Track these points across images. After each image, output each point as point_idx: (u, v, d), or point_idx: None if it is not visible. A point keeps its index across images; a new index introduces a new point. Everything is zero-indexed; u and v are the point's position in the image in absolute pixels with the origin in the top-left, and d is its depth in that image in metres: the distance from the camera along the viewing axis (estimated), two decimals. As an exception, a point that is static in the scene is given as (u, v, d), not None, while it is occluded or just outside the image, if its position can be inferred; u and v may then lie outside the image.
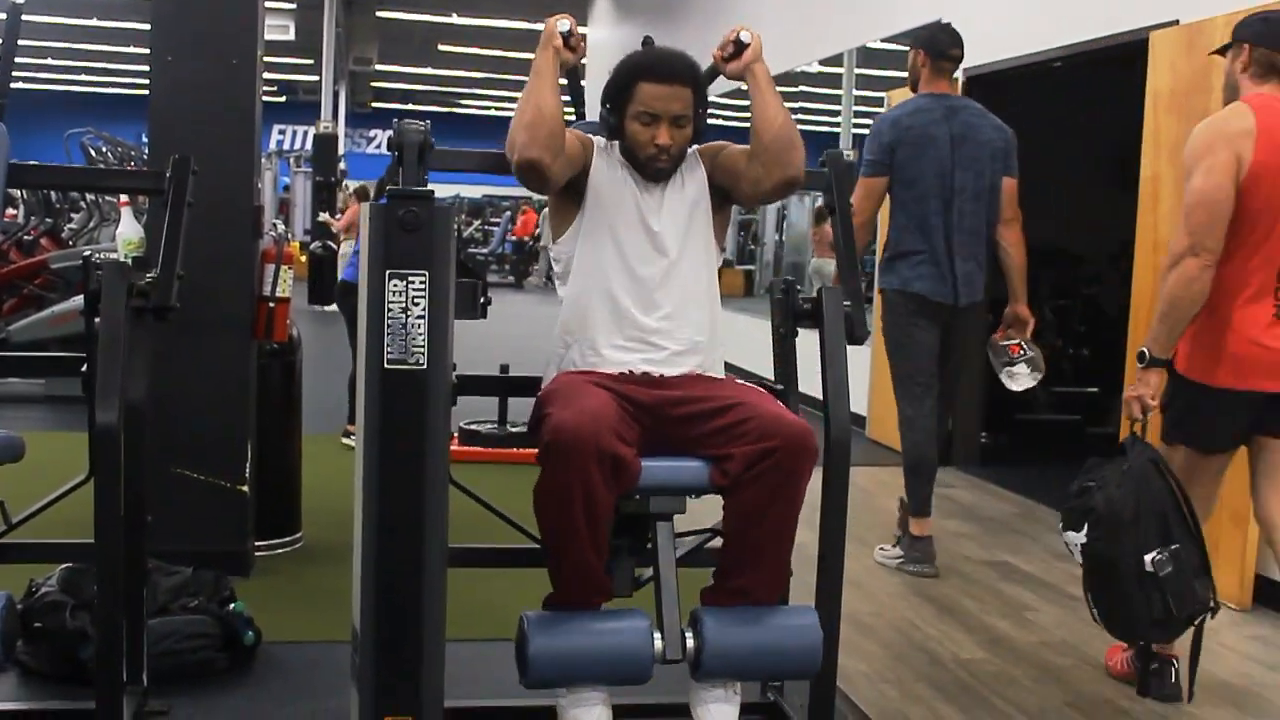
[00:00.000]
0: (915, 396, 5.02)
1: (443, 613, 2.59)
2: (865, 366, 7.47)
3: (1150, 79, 5.37)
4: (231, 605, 3.68)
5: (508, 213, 27.30)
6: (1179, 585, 3.34)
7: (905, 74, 5.34)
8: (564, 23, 3.00)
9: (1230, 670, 4.03)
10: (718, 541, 3.02)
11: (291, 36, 19.44)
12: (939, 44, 5.16)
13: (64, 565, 3.58)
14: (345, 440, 6.70)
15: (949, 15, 7.45)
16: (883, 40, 9.01)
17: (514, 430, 6.80)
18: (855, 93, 9.81)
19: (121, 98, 30.46)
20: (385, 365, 2.51)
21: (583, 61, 3.18)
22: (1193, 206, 3.41)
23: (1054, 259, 8.54)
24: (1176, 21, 5.35)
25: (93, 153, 11.87)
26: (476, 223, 28.09)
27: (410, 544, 2.53)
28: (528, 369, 3.53)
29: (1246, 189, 3.38)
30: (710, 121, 3.18)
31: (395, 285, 2.50)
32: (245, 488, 4.43)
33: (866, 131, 5.44)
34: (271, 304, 4.42)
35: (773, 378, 3.32)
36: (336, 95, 23.96)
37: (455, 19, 23.71)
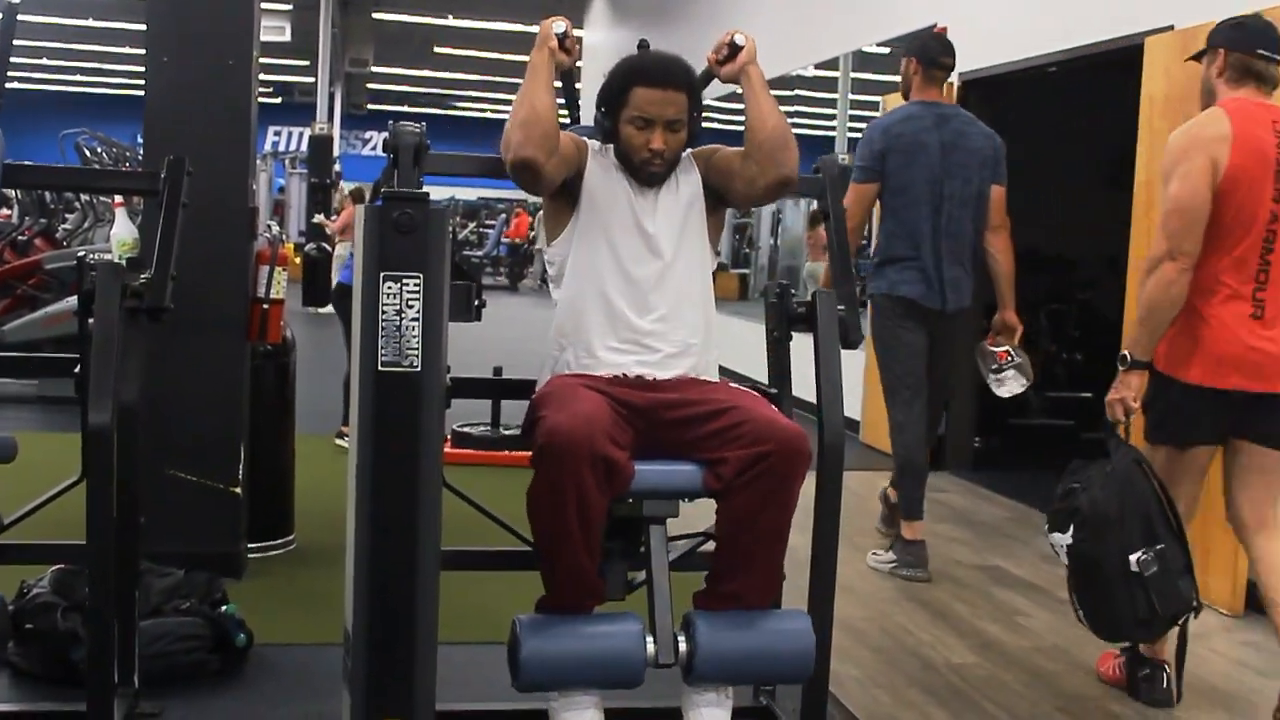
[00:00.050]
0: (904, 400, 5.05)
1: (435, 615, 2.59)
2: (859, 371, 7.47)
3: (1145, 84, 5.38)
4: (224, 607, 3.68)
5: (503, 215, 27.30)
6: (1164, 585, 3.38)
7: (901, 78, 5.36)
8: (559, 25, 3.00)
9: (1222, 675, 4.04)
10: (710, 545, 3.02)
11: (287, 37, 19.42)
12: (931, 52, 5.20)
13: (56, 566, 3.58)
14: (339, 441, 6.69)
15: (945, 19, 7.48)
16: (878, 44, 9.02)
17: (507, 433, 6.80)
18: (851, 96, 9.82)
19: (117, 98, 30.45)
20: (379, 367, 2.51)
21: (578, 64, 3.18)
22: (1170, 212, 3.46)
23: (1048, 264, 8.56)
24: (1172, 27, 5.36)
25: (87, 153, 11.85)
26: (472, 225, 28.08)
27: (403, 546, 2.53)
28: (522, 372, 3.52)
29: (1222, 193, 3.42)
30: (705, 125, 3.18)
31: (389, 287, 2.50)
32: (238, 489, 4.42)
33: (861, 136, 5.47)
34: (265, 305, 4.42)
35: (767, 381, 3.33)
36: (332, 97, 23.92)
37: (451, 21, 23.73)
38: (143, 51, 4.44)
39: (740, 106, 3.06)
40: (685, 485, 2.87)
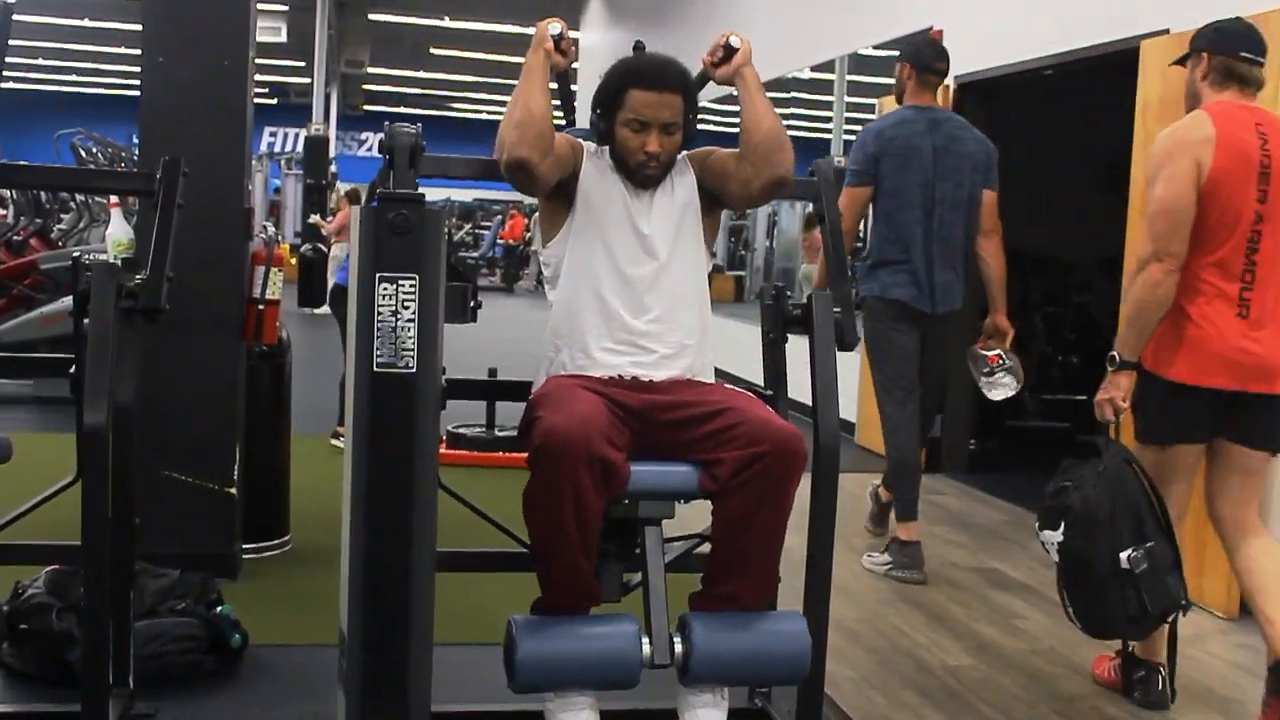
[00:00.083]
0: (897, 401, 5.09)
1: (430, 617, 2.59)
2: (854, 373, 7.47)
3: (1141, 87, 5.39)
4: (219, 608, 3.67)
5: (499, 217, 27.30)
6: (1154, 582, 3.41)
7: (895, 82, 5.40)
8: (555, 26, 3.00)
9: (1217, 678, 4.04)
10: (706, 547, 3.02)
11: (283, 38, 19.42)
12: (925, 58, 5.24)
13: (51, 567, 3.57)
14: (334, 442, 6.70)
15: (941, 22, 7.49)
16: (874, 47, 9.02)
17: (501, 434, 6.80)
18: (846, 99, 9.83)
19: (112, 98, 30.40)
20: (374, 368, 2.51)
21: (574, 66, 3.18)
22: (1156, 214, 3.50)
23: (1044, 266, 8.57)
24: (1167, 31, 5.37)
25: (83, 153, 11.85)
26: (467, 226, 28.08)
27: (398, 548, 2.53)
28: (517, 373, 3.53)
29: (1207, 195, 3.45)
30: (700, 127, 3.18)
31: (385, 288, 2.50)
32: (233, 490, 4.42)
33: (855, 139, 5.49)
34: (261, 306, 4.41)
35: (762, 383, 3.33)
36: (328, 98, 23.87)
37: (447, 22, 23.73)
38: (138, 52, 4.44)
39: (736, 109, 3.06)
40: (681, 486, 2.87)
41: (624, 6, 16.68)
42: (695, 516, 3.07)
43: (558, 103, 3.25)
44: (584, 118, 3.27)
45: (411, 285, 2.51)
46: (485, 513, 3.14)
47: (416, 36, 25.54)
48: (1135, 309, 3.54)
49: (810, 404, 2.96)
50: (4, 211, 13.33)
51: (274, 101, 31.24)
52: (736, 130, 3.04)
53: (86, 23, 24.11)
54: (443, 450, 5.11)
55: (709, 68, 3.09)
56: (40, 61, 28.30)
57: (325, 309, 7.91)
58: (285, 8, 19.36)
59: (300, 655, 3.75)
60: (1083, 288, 8.76)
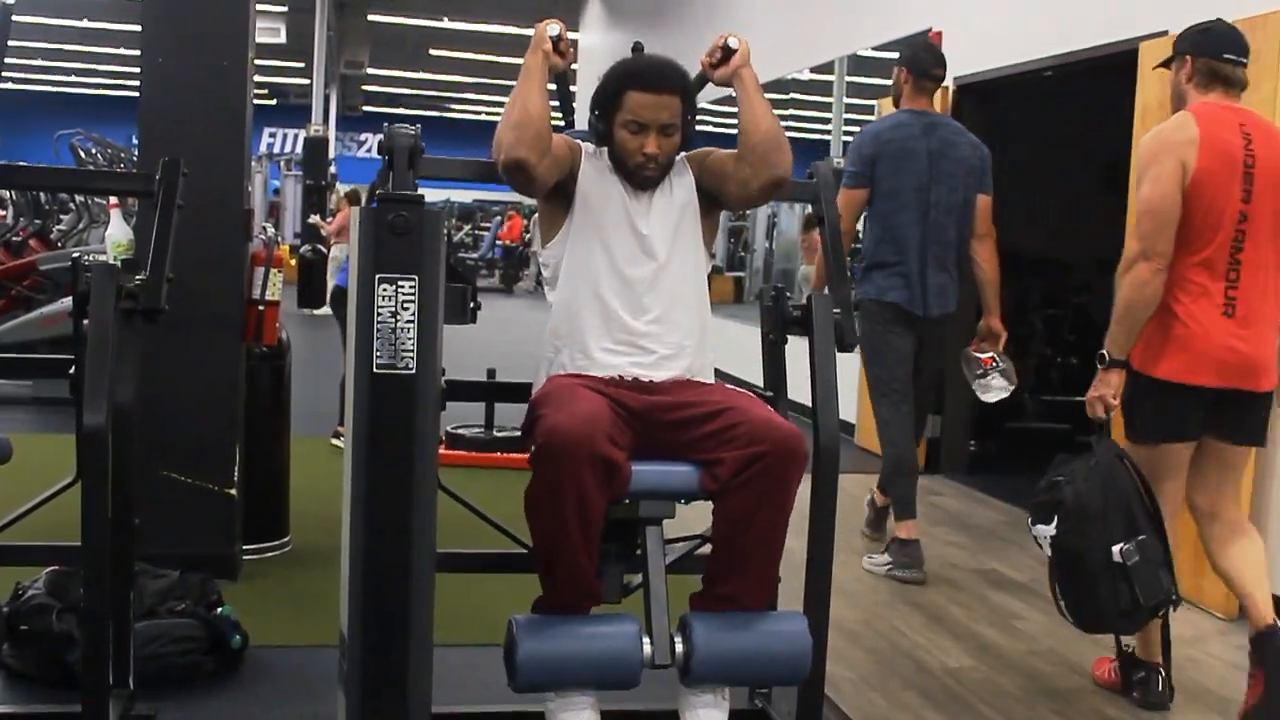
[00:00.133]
0: (892, 403, 5.15)
1: (430, 617, 2.59)
2: (854, 374, 7.47)
3: (1140, 89, 5.39)
4: (219, 609, 3.67)
5: (498, 218, 27.30)
6: (1145, 575, 3.45)
7: (893, 86, 5.44)
8: (554, 27, 3.00)
9: (1217, 680, 4.04)
10: (707, 548, 3.02)
11: (282, 39, 19.40)
12: (922, 63, 5.29)
13: (51, 568, 3.57)
14: (335, 441, 6.71)
15: (941, 24, 7.49)
16: (873, 48, 9.02)
17: (500, 435, 6.81)
18: (846, 100, 9.83)
19: (111, 99, 30.41)
20: (374, 370, 2.50)
21: (573, 67, 3.18)
22: (1142, 214, 3.57)
23: (1044, 268, 8.57)
24: (1166, 32, 5.36)
25: (82, 154, 11.85)
26: (467, 227, 28.07)
27: (398, 548, 2.53)
28: (517, 375, 3.53)
29: (1191, 194, 3.51)
30: (699, 128, 3.18)
31: (385, 289, 2.50)
32: (233, 491, 4.42)
33: (851, 142, 5.53)
34: (261, 307, 4.41)
35: (762, 384, 3.33)
36: (327, 99, 23.87)
37: (446, 23, 23.72)
38: (138, 53, 4.44)
39: (734, 110, 3.06)
40: (682, 486, 2.87)
41: (623, 8, 16.68)
42: (696, 518, 3.06)
43: (556, 104, 3.26)
44: (583, 119, 3.27)
45: (411, 286, 2.51)
46: (485, 514, 3.14)
47: (416, 38, 25.54)
48: (1123, 308, 3.58)
49: (810, 405, 2.96)
50: (3, 212, 13.33)
51: (273, 102, 31.24)
52: (735, 131, 3.05)
53: (86, 23, 24.09)
54: (441, 451, 5.12)
55: (707, 69, 3.10)
56: (39, 62, 28.30)
57: (325, 310, 7.92)
58: (284, 9, 19.35)
59: (300, 656, 3.75)
60: (1082, 289, 8.75)
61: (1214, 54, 3.64)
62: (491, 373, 5.64)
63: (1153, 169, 3.54)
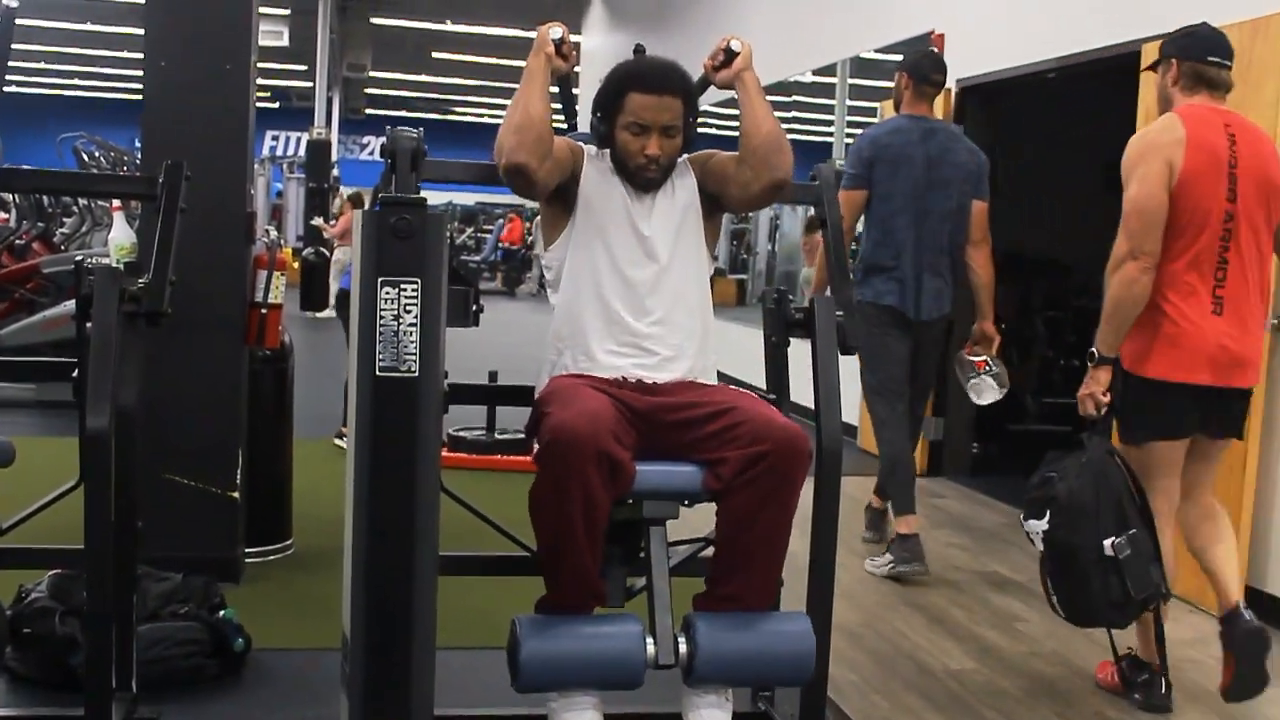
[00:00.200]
0: (887, 402, 5.23)
1: (433, 620, 2.59)
2: (857, 376, 7.46)
3: (1142, 91, 5.38)
4: (221, 612, 3.67)
5: (500, 221, 27.30)
6: (1136, 569, 3.52)
7: (894, 90, 5.49)
8: (556, 30, 3.01)
9: (1218, 681, 4.03)
10: (711, 551, 3.02)
11: (285, 42, 19.41)
12: (922, 69, 5.35)
13: (54, 571, 3.57)
14: (337, 441, 6.72)
15: (943, 26, 7.49)
16: (876, 51, 9.02)
17: (501, 437, 6.81)
18: (848, 103, 9.83)
19: (115, 102, 30.43)
20: (377, 372, 2.50)
21: (575, 69, 3.18)
22: (1130, 213, 3.62)
23: (1045, 270, 8.56)
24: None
25: (85, 157, 11.85)
26: (469, 230, 28.07)
27: (401, 551, 2.53)
28: (518, 378, 3.53)
29: (1178, 194, 3.57)
30: (701, 130, 3.19)
31: (387, 292, 2.50)
32: (236, 494, 4.42)
33: (851, 145, 5.57)
34: (263, 310, 4.41)
35: (765, 387, 3.33)
36: (330, 101, 23.90)
37: (449, 26, 23.72)
38: (141, 56, 4.44)
39: (736, 112, 3.06)
40: (686, 486, 2.87)
41: (625, 10, 16.69)
42: (700, 521, 3.06)
43: (559, 106, 3.26)
44: (585, 121, 3.27)
45: (414, 289, 2.51)
46: (487, 516, 3.14)
47: (418, 40, 25.55)
48: (1112, 306, 3.64)
49: (812, 408, 2.96)
50: (6, 215, 13.32)
51: (276, 105, 31.25)
52: (737, 134, 3.05)
53: (89, 27, 24.13)
54: (443, 454, 5.13)
55: (710, 71, 3.10)
56: (43, 66, 28.30)
57: (327, 313, 7.93)
58: (287, 12, 19.37)
59: (303, 659, 3.75)
60: (1083, 291, 8.74)
61: (1199, 57, 3.70)
62: (493, 375, 5.64)
63: (1140, 169, 3.61)
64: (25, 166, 3.96)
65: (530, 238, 24.11)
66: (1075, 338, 8.69)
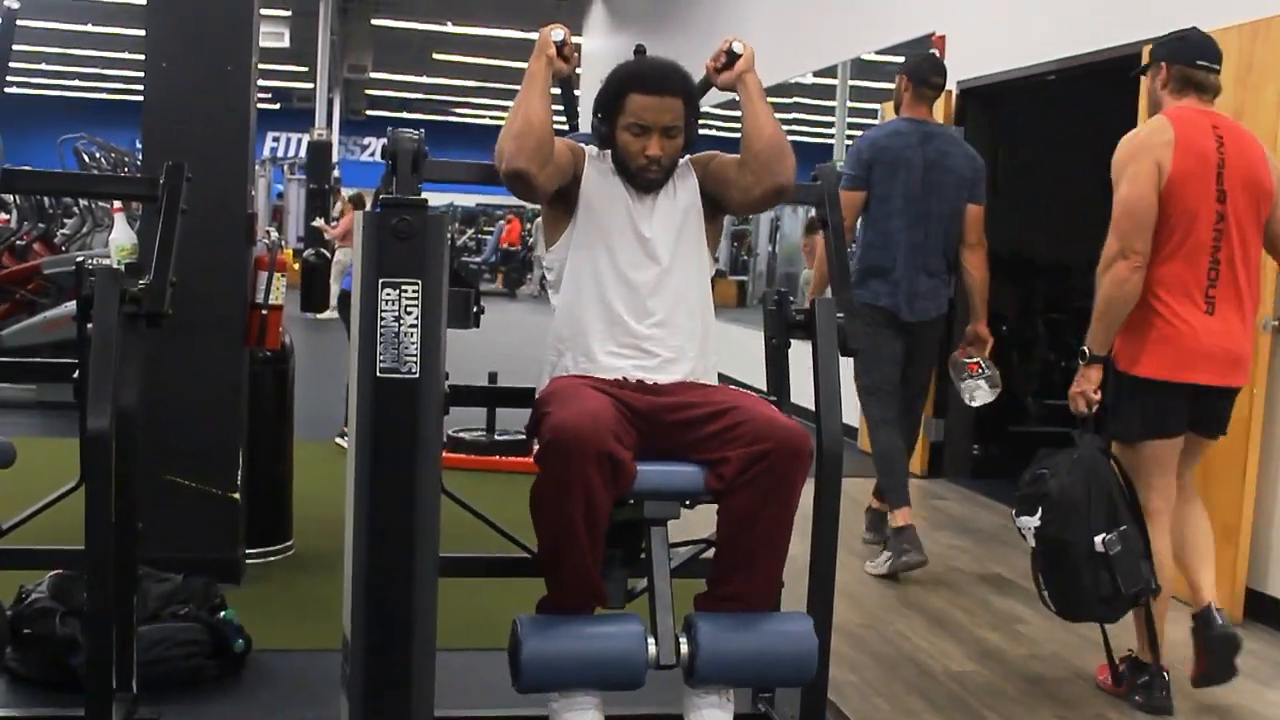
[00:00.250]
0: (880, 401, 5.28)
1: (433, 621, 2.59)
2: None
3: (1142, 93, 5.38)
4: (222, 613, 3.67)
5: (501, 222, 27.31)
6: (1127, 564, 3.58)
7: (894, 92, 5.55)
8: (558, 33, 3.01)
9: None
10: (712, 552, 3.02)
11: (286, 44, 19.42)
12: (922, 72, 5.41)
13: (54, 571, 3.57)
14: (339, 441, 6.73)
15: (943, 28, 7.49)
16: (877, 52, 9.03)
17: (501, 439, 6.81)
18: (849, 104, 9.83)
19: (116, 103, 30.44)
20: (378, 374, 2.50)
21: (577, 71, 3.18)
22: (1120, 213, 3.67)
23: (1046, 271, 8.56)
24: (1169, 36, 5.36)
25: (86, 158, 11.85)
26: (470, 231, 28.07)
27: (401, 552, 2.53)
28: (519, 379, 3.53)
29: (1167, 195, 3.63)
30: (703, 132, 3.18)
31: (388, 294, 2.50)
32: (236, 495, 4.42)
33: (850, 146, 5.60)
34: (264, 311, 4.41)
35: (765, 388, 3.33)
36: (331, 103, 23.92)
37: (450, 28, 23.74)
38: (142, 57, 4.44)
39: (737, 113, 3.06)
40: (687, 486, 2.87)
41: (626, 12, 16.70)
42: (701, 523, 3.06)
43: (560, 108, 3.26)
44: (586, 122, 3.27)
45: (414, 290, 2.51)
46: (488, 518, 3.14)
47: (419, 42, 25.56)
48: (1103, 305, 3.70)
49: (813, 409, 2.96)
50: (7, 216, 13.32)
51: (277, 107, 31.25)
52: (738, 136, 3.05)
53: (90, 28, 24.13)
54: (443, 454, 5.13)
55: (712, 73, 3.10)
56: (44, 66, 28.31)
57: (328, 314, 7.93)
58: (288, 13, 19.38)
59: (303, 660, 3.75)
60: (1085, 293, 8.72)
61: (1188, 61, 3.76)
62: (493, 376, 5.64)
63: (1130, 169, 3.66)
64: (26, 167, 3.95)
65: (530, 239, 24.12)
66: (1076, 339, 8.66)
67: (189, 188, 3.26)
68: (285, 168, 23.74)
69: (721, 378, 3.20)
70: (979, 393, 5.31)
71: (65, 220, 12.46)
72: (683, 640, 2.78)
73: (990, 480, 7.17)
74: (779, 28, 10.54)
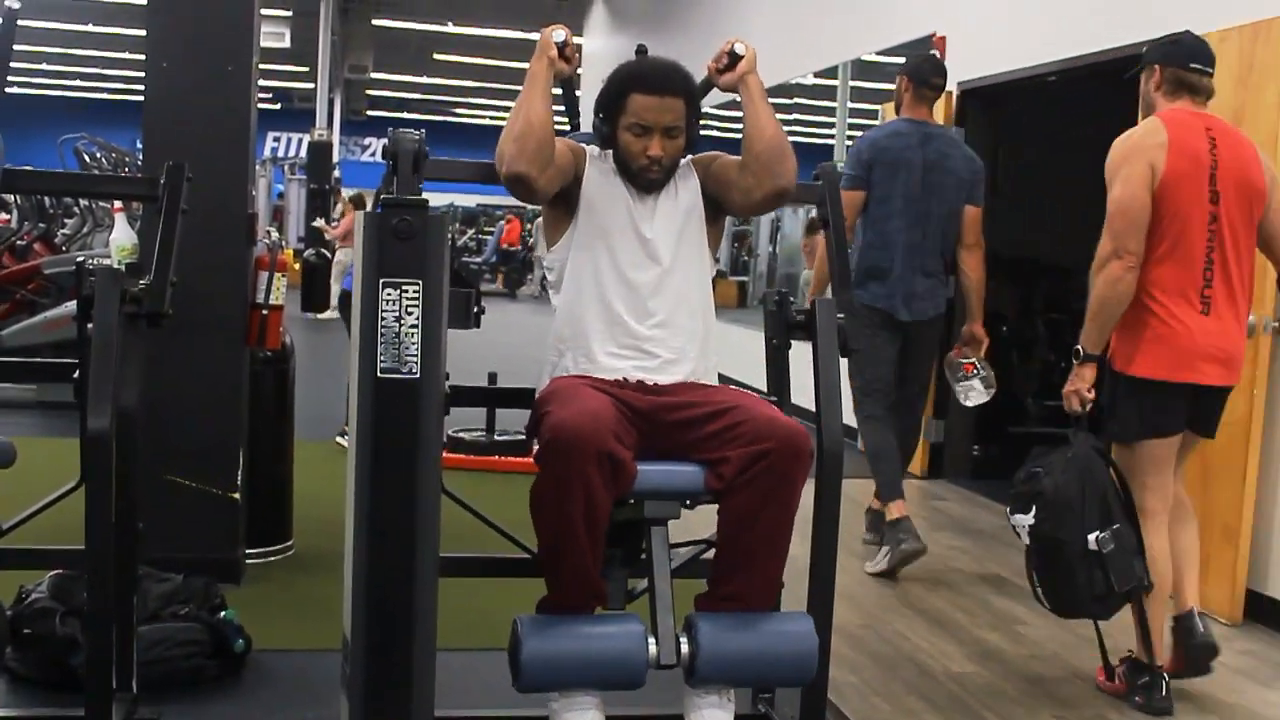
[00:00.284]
0: (874, 400, 5.32)
1: (433, 621, 2.59)
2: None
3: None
4: (222, 613, 3.67)
5: (501, 222, 27.31)
6: (1120, 562, 3.62)
7: (895, 93, 5.56)
8: (559, 33, 3.01)
9: (1220, 685, 4.02)
10: (712, 553, 3.02)
11: (287, 44, 19.43)
12: (922, 73, 5.43)
13: (54, 571, 3.57)
14: (340, 440, 6.73)
15: (944, 29, 7.49)
16: (877, 53, 9.03)
17: (500, 439, 6.81)
18: (850, 105, 9.83)
19: (117, 103, 30.45)
20: (378, 374, 2.50)
21: (578, 72, 3.18)
22: (1113, 214, 3.71)
23: (1047, 272, 8.56)
24: (1169, 37, 5.36)
25: (86, 158, 11.85)
26: (471, 231, 28.07)
27: (401, 552, 2.53)
28: (519, 380, 3.53)
29: (1161, 196, 3.66)
30: (704, 133, 3.18)
31: (389, 294, 2.50)
32: (237, 495, 4.42)
33: (851, 146, 5.61)
34: (264, 311, 4.41)
35: (766, 389, 3.33)
36: (332, 103, 23.93)
37: (450, 28, 23.75)
38: (143, 57, 4.44)
39: (738, 114, 3.06)
40: (687, 485, 2.87)
41: (627, 12, 16.70)
42: (701, 524, 3.06)
43: (561, 109, 3.26)
44: (587, 123, 3.27)
45: (415, 291, 2.51)
46: (488, 518, 3.14)
47: (420, 42, 25.57)
48: (1097, 304, 3.75)
49: (814, 410, 2.96)
50: (8, 216, 13.32)
51: (278, 107, 31.26)
52: (739, 136, 3.05)
53: (91, 28, 24.14)
54: (443, 455, 5.13)
55: (713, 74, 3.10)
56: (44, 66, 28.32)
57: (329, 314, 7.93)
58: (289, 13, 19.39)
59: (303, 660, 3.75)
60: (1084, 293, 8.71)
61: (1181, 64, 3.80)
62: (493, 377, 5.64)
63: (1123, 170, 3.70)
64: (27, 167, 3.95)
65: (530, 239, 24.11)
66: (1076, 340, 8.68)
67: (189, 188, 3.27)
68: (286, 168, 23.73)
69: (722, 378, 3.20)
70: (974, 393, 5.34)
71: (66, 220, 12.46)
72: (683, 640, 2.78)
73: (990, 481, 7.16)
74: (780, 28, 10.54)
